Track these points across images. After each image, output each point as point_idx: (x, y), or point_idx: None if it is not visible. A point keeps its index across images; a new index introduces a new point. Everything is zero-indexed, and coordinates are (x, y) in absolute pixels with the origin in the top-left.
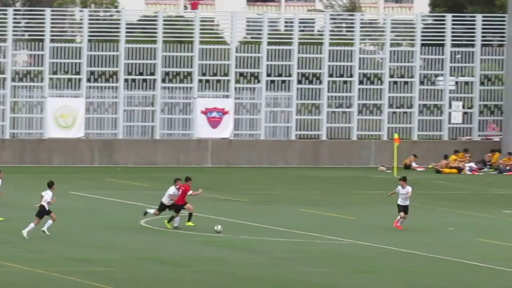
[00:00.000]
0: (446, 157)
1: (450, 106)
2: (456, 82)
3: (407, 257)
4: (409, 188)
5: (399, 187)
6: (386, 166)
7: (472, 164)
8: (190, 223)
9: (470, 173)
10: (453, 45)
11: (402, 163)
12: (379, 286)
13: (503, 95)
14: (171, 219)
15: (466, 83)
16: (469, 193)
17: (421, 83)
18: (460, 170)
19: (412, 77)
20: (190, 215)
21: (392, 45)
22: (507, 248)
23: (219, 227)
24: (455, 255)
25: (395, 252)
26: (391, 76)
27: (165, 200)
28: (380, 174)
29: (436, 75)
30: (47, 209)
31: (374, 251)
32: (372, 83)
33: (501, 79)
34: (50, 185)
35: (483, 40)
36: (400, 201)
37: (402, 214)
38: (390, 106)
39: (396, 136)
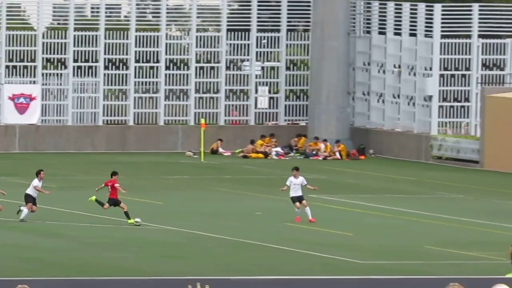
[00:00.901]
0: (252, 142)
1: (256, 91)
2: (262, 67)
3: (215, 242)
4: (302, 178)
5: (292, 178)
6: (193, 151)
7: (279, 149)
8: (131, 221)
9: (276, 157)
10: (259, 30)
11: (209, 148)
12: (187, 271)
13: (309, 80)
14: (126, 216)
15: (272, 68)
16: (275, 177)
17: (227, 68)
18: (266, 155)
19: (218, 62)
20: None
21: (198, 30)
22: (311, 231)
23: (138, 220)
24: (261, 239)
25: (203, 237)
26: (198, 61)
27: (30, 191)
28: (187, 159)
29: (242, 60)
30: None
31: (183, 236)
32: (178, 68)
33: (307, 64)
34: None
35: (288, 25)
36: (292, 193)
37: (298, 204)
38: (197, 91)
39: (202, 121)
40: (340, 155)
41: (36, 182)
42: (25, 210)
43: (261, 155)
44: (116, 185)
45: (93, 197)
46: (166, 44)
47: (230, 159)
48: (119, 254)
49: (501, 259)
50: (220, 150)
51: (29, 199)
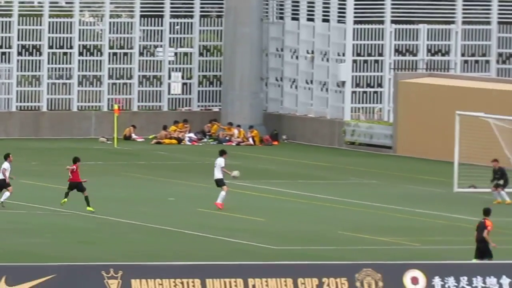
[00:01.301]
0: (165, 127)
1: (169, 77)
2: (175, 53)
3: (128, 228)
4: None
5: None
6: (107, 137)
7: (192, 135)
8: (90, 208)
9: (190, 143)
10: (172, 16)
11: (122, 134)
12: (100, 257)
13: (222, 66)
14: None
15: (185, 54)
16: (188, 163)
17: (141, 54)
18: (180, 140)
19: (131, 48)
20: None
21: (111, 16)
22: (225, 217)
23: (236, 172)
24: (174, 225)
25: (116, 223)
26: (111, 47)
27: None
28: (101, 145)
29: (156, 46)
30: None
31: (96, 221)
32: (92, 54)
33: (220, 50)
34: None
35: (201, 11)
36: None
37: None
38: (110, 77)
39: (116, 107)
40: (254, 140)
41: (6, 165)
42: (6, 193)
43: (174, 141)
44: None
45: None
46: (80, 30)
47: (143, 145)
48: (32, 240)
49: (413, 245)
50: (133, 136)
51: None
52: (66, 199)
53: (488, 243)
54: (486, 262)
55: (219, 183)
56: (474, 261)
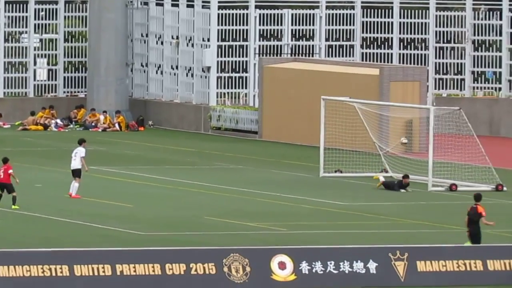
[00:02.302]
0: (32, 113)
1: (35, 63)
2: (41, 39)
3: None
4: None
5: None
6: None
7: (58, 121)
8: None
9: (56, 129)
10: (37, 2)
11: None
12: None
13: (87, 51)
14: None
15: (51, 40)
16: (54, 149)
17: (6, 40)
18: (46, 127)
19: None
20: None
21: None
22: (92, 203)
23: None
24: (41, 212)
25: None
26: None
27: None
28: None
29: (21, 33)
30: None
31: None
32: None
33: (85, 36)
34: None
35: None
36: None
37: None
38: None
39: None
40: (120, 126)
41: None
42: None
43: (40, 127)
44: (10, 171)
45: None
46: None
47: (9, 131)
48: None
49: (280, 229)
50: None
51: None
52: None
53: (478, 227)
54: (353, 246)
55: (75, 173)
56: (468, 244)
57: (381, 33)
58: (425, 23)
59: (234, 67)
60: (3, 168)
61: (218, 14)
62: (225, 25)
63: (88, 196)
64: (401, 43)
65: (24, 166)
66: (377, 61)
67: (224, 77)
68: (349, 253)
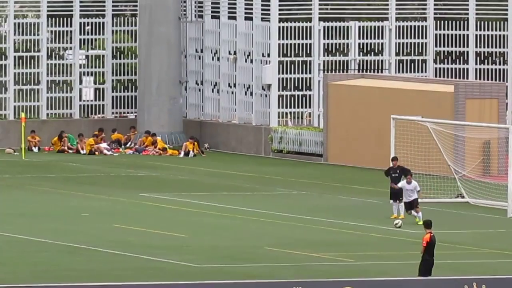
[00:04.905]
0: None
1: (80, 82)
2: (87, 56)
3: (36, 246)
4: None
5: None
6: (14, 148)
7: (107, 144)
8: None
9: (110, 153)
10: (82, 16)
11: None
12: (5, 278)
13: (137, 68)
14: None
15: (97, 56)
16: (103, 175)
17: (49, 57)
18: (95, 151)
19: (39, 51)
20: None
21: (16, 17)
22: (143, 233)
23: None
24: (88, 243)
25: (23, 241)
26: (16, 50)
27: None
28: (8, 156)
29: (65, 49)
30: None
31: (1, 239)
32: None
33: (135, 52)
34: None
35: (114, 10)
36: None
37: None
38: (16, 83)
39: (23, 115)
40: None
41: None
42: None
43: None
44: None
45: None
46: None
47: (50, 155)
48: None
49: (345, 260)
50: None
51: None
52: None
53: None
54: (426, 278)
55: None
56: None
57: (455, 46)
58: (504, 35)
59: (296, 84)
60: None
61: (279, 27)
62: (287, 39)
63: (139, 226)
64: (478, 58)
65: (70, 193)
66: (451, 77)
67: (286, 95)
68: (422, 285)
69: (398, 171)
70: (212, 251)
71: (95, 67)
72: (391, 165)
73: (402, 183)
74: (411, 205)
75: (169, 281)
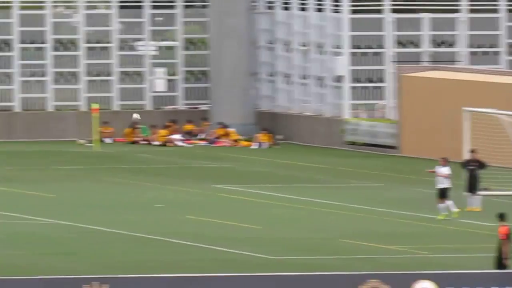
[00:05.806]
0: (154, 126)
1: (152, 74)
2: (158, 47)
3: (110, 237)
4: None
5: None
6: (86, 139)
7: (180, 135)
8: None
9: (182, 144)
10: (153, 7)
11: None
12: (80, 269)
13: (209, 60)
14: None
15: (169, 48)
16: (176, 166)
17: (120, 48)
18: (167, 142)
19: (109, 42)
20: None
21: (87, 7)
22: (217, 225)
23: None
24: (162, 234)
25: (98, 232)
26: (87, 41)
27: None
28: (81, 147)
29: (136, 40)
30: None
31: (76, 230)
32: (66, 49)
33: (206, 43)
34: None
35: (185, 1)
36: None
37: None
38: (88, 74)
39: (95, 106)
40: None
41: None
42: None
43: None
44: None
45: None
46: (52, 23)
47: (124, 146)
48: (6, 251)
49: (422, 253)
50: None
51: None
52: None
53: None
54: (503, 271)
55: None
56: None
57: None
58: None
59: (369, 76)
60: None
61: (351, 19)
62: (358, 30)
63: (212, 217)
64: None
65: (143, 184)
66: None
67: (359, 87)
68: (499, 278)
69: (476, 164)
70: (285, 243)
71: (166, 58)
72: (469, 157)
73: (437, 167)
74: (443, 193)
75: (243, 273)
